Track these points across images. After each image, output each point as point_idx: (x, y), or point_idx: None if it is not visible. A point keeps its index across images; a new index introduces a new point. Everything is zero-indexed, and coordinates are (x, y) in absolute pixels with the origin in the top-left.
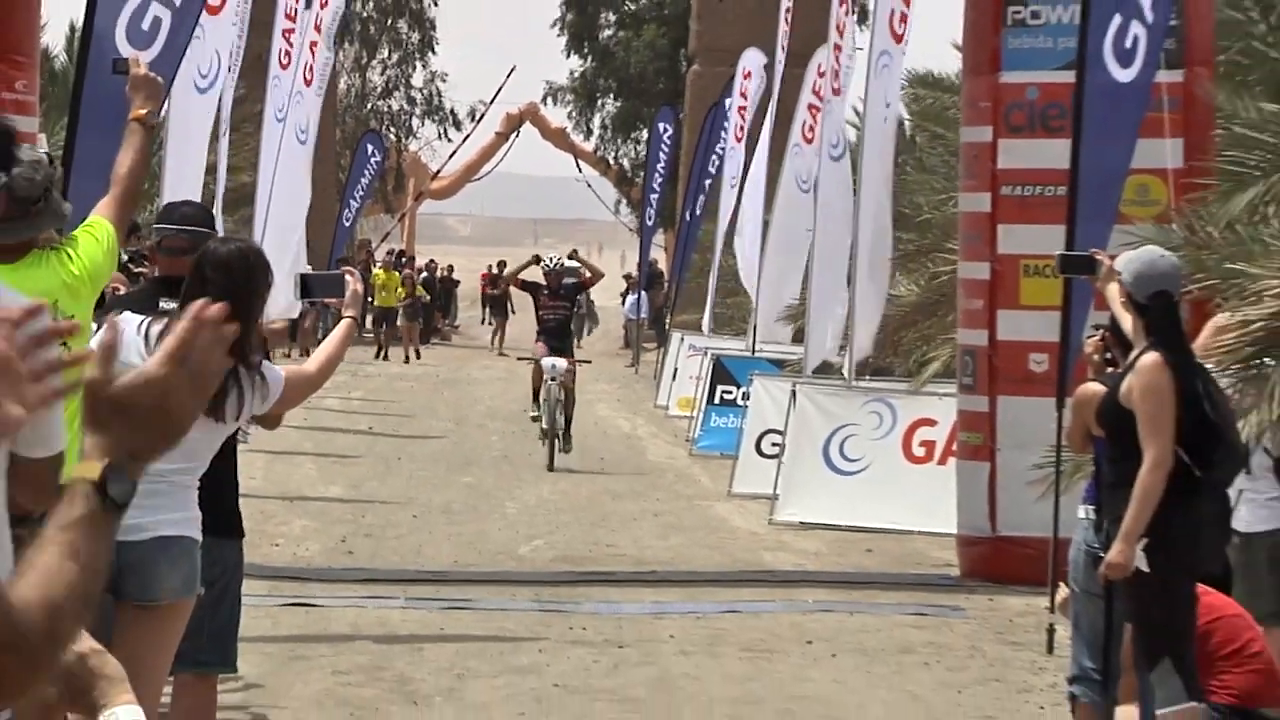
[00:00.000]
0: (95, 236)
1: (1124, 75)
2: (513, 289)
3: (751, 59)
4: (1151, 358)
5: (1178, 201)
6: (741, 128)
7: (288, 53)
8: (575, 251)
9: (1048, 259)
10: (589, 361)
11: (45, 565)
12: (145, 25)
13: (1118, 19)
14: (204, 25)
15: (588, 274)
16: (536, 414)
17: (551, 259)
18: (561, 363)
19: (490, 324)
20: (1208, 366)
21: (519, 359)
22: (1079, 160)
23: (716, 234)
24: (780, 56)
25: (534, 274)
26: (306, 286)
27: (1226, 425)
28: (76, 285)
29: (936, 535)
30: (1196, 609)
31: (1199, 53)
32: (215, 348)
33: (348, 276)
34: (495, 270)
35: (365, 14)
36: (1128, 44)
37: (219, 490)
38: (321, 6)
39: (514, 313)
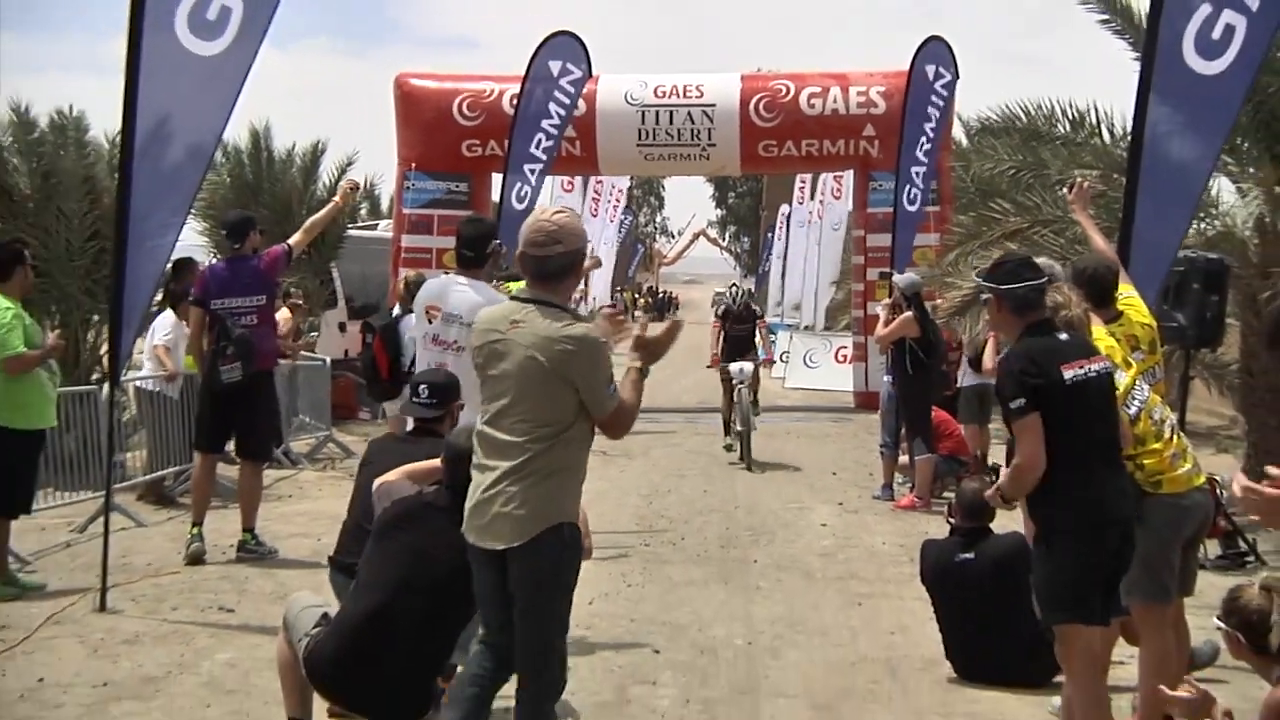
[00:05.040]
0: None
1: (912, 209)
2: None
3: (784, 211)
4: (908, 314)
5: (936, 258)
6: (783, 234)
7: (595, 209)
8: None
9: (884, 283)
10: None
11: (628, 392)
12: (523, 194)
13: (909, 187)
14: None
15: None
16: (730, 444)
17: (731, 289)
18: (748, 366)
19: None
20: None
21: (707, 366)
22: (895, 243)
23: (769, 278)
24: (796, 206)
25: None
26: None
27: (938, 340)
28: None
29: (845, 391)
30: (932, 415)
31: (945, 196)
32: (678, 333)
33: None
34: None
35: (639, 192)
36: (913, 195)
37: None
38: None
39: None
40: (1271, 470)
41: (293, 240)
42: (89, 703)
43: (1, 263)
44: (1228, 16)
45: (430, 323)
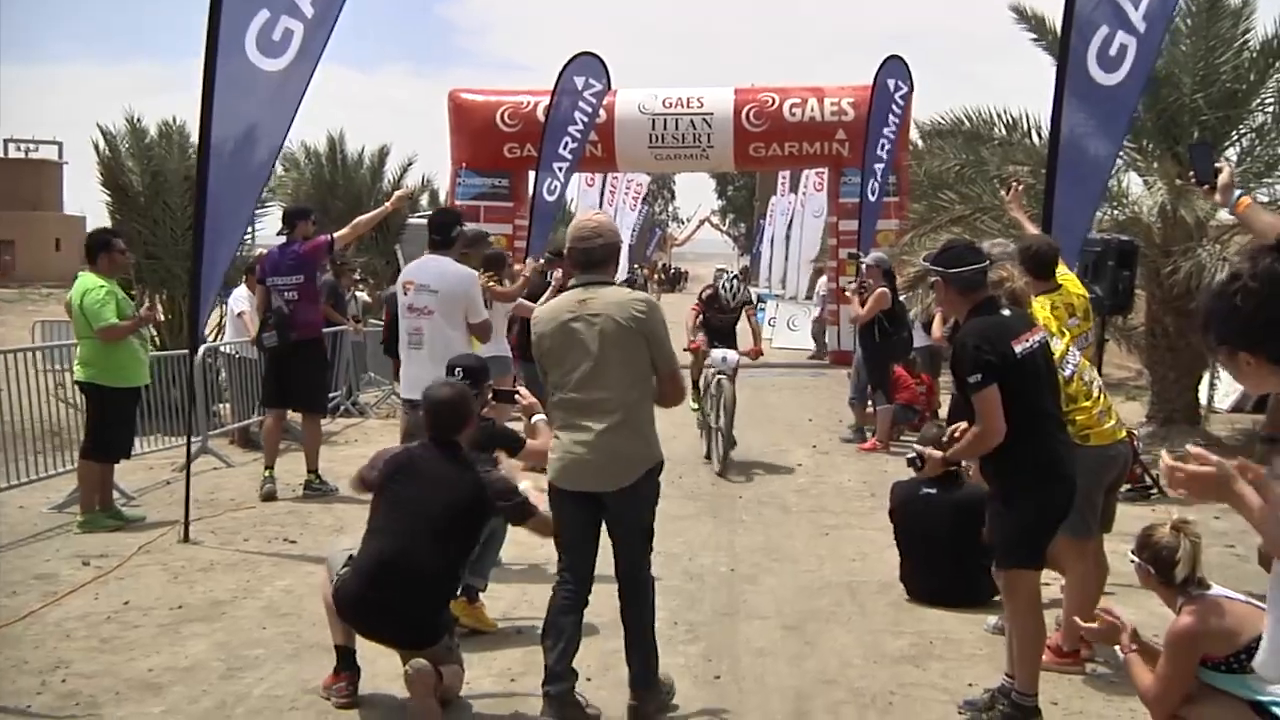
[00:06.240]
0: None
1: (874, 200)
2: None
3: (772, 201)
4: (882, 289)
5: (897, 240)
6: (772, 221)
7: (611, 200)
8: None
9: (853, 261)
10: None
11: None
12: (552, 189)
13: (872, 181)
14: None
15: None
16: (696, 406)
17: (726, 279)
18: (733, 355)
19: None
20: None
21: (684, 349)
22: (861, 228)
23: (761, 258)
24: (779, 198)
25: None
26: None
27: (902, 311)
28: None
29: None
30: (891, 373)
31: (903, 188)
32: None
33: None
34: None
35: (654, 186)
36: (874, 187)
37: None
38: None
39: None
40: (1192, 449)
41: (338, 234)
42: (164, 624)
43: (88, 248)
44: (1121, 37)
45: (405, 294)
